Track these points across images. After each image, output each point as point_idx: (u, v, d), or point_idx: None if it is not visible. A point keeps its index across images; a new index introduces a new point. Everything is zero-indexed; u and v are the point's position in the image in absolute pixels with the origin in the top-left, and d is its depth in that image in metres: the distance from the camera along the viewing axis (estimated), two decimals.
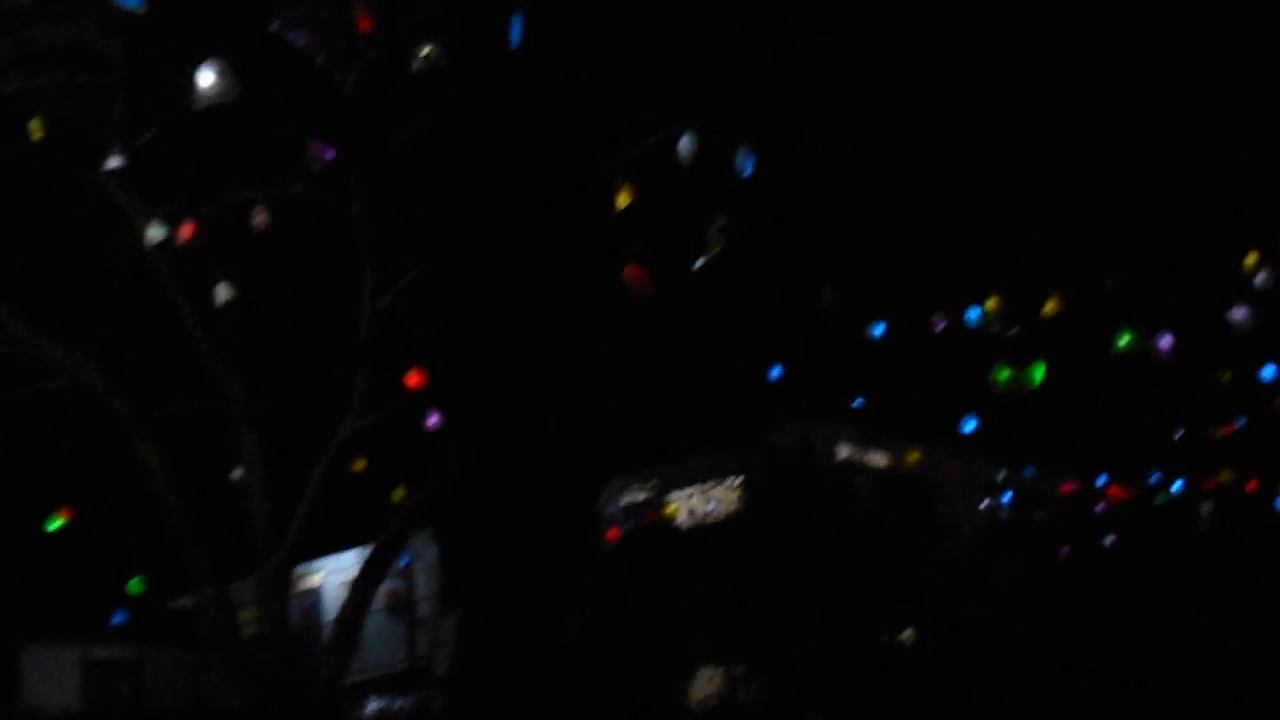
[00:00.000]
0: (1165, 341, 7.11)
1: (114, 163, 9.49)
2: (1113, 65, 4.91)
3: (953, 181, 5.93)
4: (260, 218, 9.22)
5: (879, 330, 9.66)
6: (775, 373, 10.87)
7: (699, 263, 8.29)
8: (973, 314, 8.99)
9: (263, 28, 5.62)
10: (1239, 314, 7.39)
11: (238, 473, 11.70)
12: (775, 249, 5.23)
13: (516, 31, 5.80)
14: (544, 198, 5.27)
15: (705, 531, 17.96)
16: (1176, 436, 13.72)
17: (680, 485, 19.38)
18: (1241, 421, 12.35)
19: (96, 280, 11.06)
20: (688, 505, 19.35)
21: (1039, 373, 6.87)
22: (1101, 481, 14.64)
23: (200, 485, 11.59)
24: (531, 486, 5.04)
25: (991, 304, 8.65)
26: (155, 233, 9.31)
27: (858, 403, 13.89)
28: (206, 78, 5.66)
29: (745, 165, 8.07)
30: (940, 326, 9.56)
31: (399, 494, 12.08)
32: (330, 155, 5.90)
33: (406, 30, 8.71)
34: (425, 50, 8.13)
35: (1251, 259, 7.14)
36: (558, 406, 5.27)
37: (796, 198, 5.27)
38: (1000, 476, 16.52)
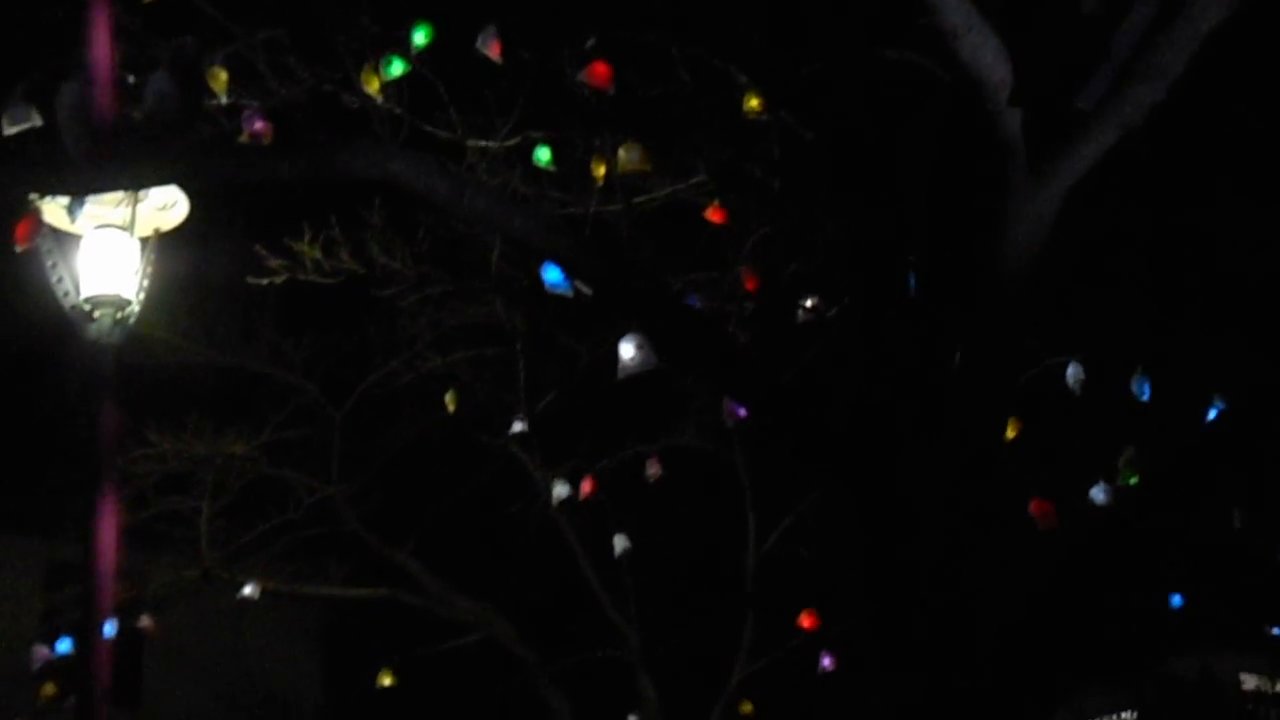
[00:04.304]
0: None
1: (518, 427, 10.21)
2: None
3: None
4: (653, 469, 9.63)
5: None
6: (1176, 601, 10.37)
7: (1097, 494, 8.10)
8: None
9: (676, 301, 6.06)
10: None
11: (634, 718, 11.96)
12: (1207, 480, 5.13)
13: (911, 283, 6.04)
14: (967, 438, 5.37)
15: None
16: None
17: None
18: None
19: (505, 539, 11.76)
20: None
21: None
22: None
23: None
24: None
25: None
26: (560, 490, 9.87)
27: (1277, 631, 12.96)
28: (627, 350, 6.09)
29: (1142, 391, 7.91)
30: None
31: None
32: (742, 414, 6.20)
33: (786, 283, 9.08)
34: (809, 302, 8.46)
35: None
36: (989, 657, 5.26)
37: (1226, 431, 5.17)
38: None
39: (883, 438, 5.48)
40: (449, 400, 9.92)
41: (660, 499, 10.49)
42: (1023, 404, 8.70)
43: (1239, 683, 18.20)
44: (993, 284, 5.66)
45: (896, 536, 5.31)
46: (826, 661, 10.10)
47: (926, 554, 5.31)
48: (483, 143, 8.70)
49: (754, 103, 7.67)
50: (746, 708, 12.34)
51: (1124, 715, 18.35)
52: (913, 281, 6.07)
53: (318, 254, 9.27)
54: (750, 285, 8.77)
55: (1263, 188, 6.91)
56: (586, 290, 5.99)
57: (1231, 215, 6.85)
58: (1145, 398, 7.99)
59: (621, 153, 8.05)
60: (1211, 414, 6.64)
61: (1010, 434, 8.79)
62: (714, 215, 8.66)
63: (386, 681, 11.62)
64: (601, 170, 8.23)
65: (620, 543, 10.22)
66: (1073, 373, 8.43)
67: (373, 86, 6.99)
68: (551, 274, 5.98)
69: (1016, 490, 7.26)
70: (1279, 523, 9.30)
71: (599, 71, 6.98)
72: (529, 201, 8.88)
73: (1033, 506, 6.86)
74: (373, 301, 9.91)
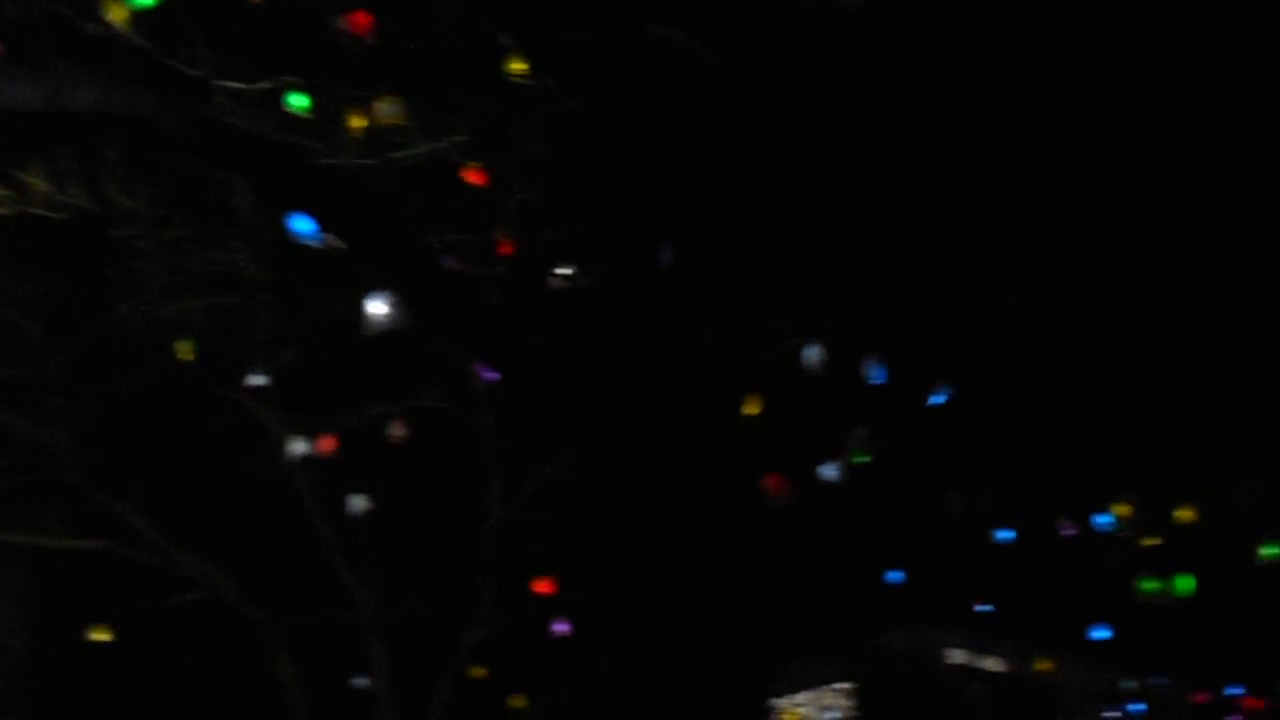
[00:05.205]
0: None
1: (256, 380, 9.93)
2: None
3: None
4: (397, 430, 9.53)
5: (1006, 536, 9.62)
6: (893, 577, 10.82)
7: (827, 471, 8.38)
8: (1102, 520, 8.95)
9: (430, 260, 5.98)
10: None
11: (362, 681, 11.83)
12: (933, 462, 5.37)
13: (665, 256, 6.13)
14: (706, 408, 5.48)
15: None
16: None
17: (786, 692, 19.05)
18: None
19: (235, 494, 11.43)
20: (801, 713, 19.00)
21: (1187, 584, 6.83)
22: (1236, 692, 14.19)
23: (329, 693, 11.72)
24: (696, 695, 5.15)
25: (1123, 510, 8.61)
26: (296, 447, 9.66)
27: (985, 609, 13.64)
28: (376, 306, 5.99)
29: (875, 374, 8.22)
30: (1068, 533, 9.51)
31: (518, 702, 12.12)
32: (492, 376, 6.19)
33: (541, 250, 9.07)
34: (565, 270, 8.49)
35: None
36: (716, 616, 5.41)
37: (954, 413, 5.41)
38: (1128, 685, 16.08)
39: (630, 407, 5.55)
40: (182, 349, 9.58)
41: (403, 460, 10.38)
42: (764, 382, 8.93)
43: (945, 657, 19.24)
44: (744, 263, 5.79)
45: (637, 504, 5.39)
46: (561, 627, 10.21)
47: (665, 523, 5.40)
48: (234, 84, 8.37)
49: (517, 65, 7.61)
50: (478, 672, 12.36)
51: (836, 686, 19.16)
52: (666, 256, 6.16)
53: (45, 186, 8.76)
54: (506, 250, 8.74)
55: (992, 180, 7.25)
56: (338, 243, 5.86)
57: (964, 205, 7.17)
58: (878, 381, 8.30)
59: (379, 105, 7.87)
60: (938, 399, 6.95)
61: (751, 410, 9.03)
62: (472, 176, 8.57)
63: (100, 637, 11.21)
64: (358, 122, 8.04)
65: (356, 503, 10.09)
66: (812, 354, 8.69)
67: (117, 15, 6.62)
68: (301, 224, 5.83)
69: (753, 464, 7.46)
70: (992, 506, 9.81)
71: (360, 20, 6.82)
72: (282, 150, 8.62)
73: (767, 480, 7.05)
74: (109, 241, 9.45)
